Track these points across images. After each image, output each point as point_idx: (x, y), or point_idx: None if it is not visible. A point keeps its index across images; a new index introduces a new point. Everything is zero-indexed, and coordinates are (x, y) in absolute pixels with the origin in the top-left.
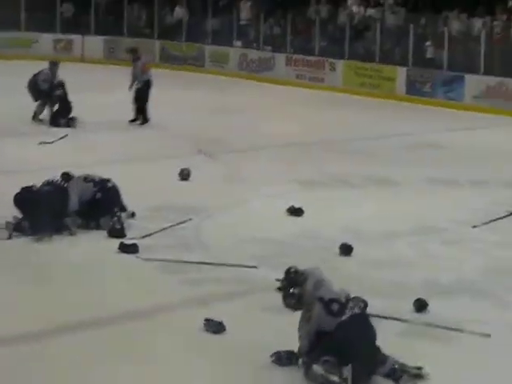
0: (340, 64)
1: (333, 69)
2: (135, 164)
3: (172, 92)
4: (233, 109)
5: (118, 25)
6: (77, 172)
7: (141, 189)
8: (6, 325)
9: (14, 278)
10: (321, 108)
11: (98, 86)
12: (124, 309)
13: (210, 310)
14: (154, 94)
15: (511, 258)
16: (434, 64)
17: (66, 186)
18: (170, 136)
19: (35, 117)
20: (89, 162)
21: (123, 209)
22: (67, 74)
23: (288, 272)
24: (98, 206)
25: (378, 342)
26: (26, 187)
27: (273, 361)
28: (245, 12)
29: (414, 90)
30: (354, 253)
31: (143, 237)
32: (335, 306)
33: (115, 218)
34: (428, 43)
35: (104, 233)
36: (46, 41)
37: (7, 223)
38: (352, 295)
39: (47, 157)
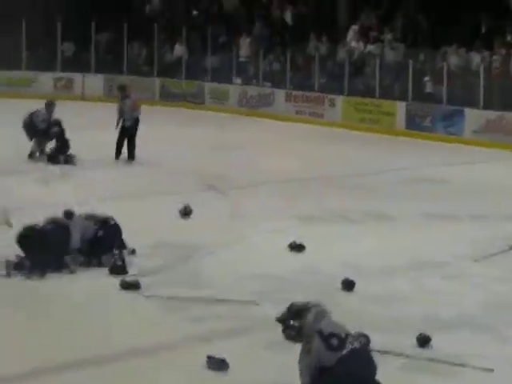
0: (339, 100)
1: (332, 104)
2: (136, 201)
3: (172, 129)
4: (233, 145)
5: (118, 63)
6: (78, 210)
7: (141, 226)
8: (4, 362)
9: (13, 315)
10: (320, 143)
11: (97, 124)
12: (126, 346)
13: (212, 347)
14: (155, 131)
15: (511, 292)
16: (434, 99)
17: (68, 224)
18: (171, 173)
19: (32, 155)
20: (89, 199)
21: (124, 246)
22: (67, 112)
23: (290, 305)
24: (99, 244)
25: (380, 377)
26: (29, 226)
27: None
28: (244, 49)
29: (413, 124)
30: (355, 288)
31: (144, 274)
32: (334, 341)
33: (116, 256)
34: (427, 78)
35: (105, 270)
36: (46, 79)
37: (7, 261)
38: (354, 330)
39: (48, 194)
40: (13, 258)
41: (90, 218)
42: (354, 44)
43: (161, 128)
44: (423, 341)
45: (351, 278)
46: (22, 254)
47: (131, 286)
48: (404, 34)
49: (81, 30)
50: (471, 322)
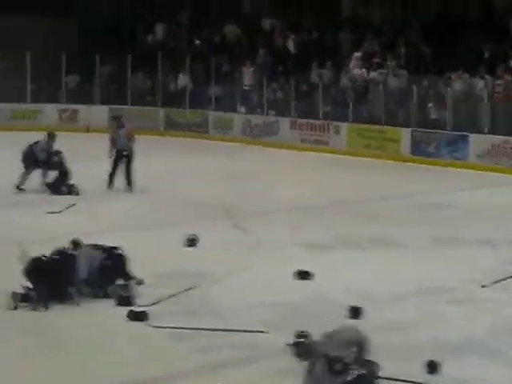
0: (344, 127)
1: (337, 132)
2: (142, 231)
3: (177, 159)
4: (238, 174)
5: (122, 94)
6: (84, 240)
7: (148, 256)
8: None
9: (21, 347)
10: (326, 171)
11: (102, 155)
12: (135, 377)
13: (222, 377)
14: (160, 161)
15: None
16: (438, 124)
17: (74, 254)
18: (176, 202)
19: (19, 187)
20: (94, 230)
21: (131, 276)
22: (73, 143)
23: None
24: (105, 273)
25: None
26: (36, 257)
27: None
28: (247, 78)
29: (418, 150)
30: (362, 315)
31: (152, 304)
32: (338, 366)
33: (123, 286)
34: (430, 105)
35: (112, 301)
36: (51, 111)
37: (14, 293)
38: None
39: (54, 226)
40: (20, 290)
41: (96, 247)
42: (356, 71)
43: (166, 158)
44: (433, 367)
45: (358, 304)
46: (29, 285)
47: (139, 317)
48: (407, 61)
49: (85, 62)
50: (480, 347)
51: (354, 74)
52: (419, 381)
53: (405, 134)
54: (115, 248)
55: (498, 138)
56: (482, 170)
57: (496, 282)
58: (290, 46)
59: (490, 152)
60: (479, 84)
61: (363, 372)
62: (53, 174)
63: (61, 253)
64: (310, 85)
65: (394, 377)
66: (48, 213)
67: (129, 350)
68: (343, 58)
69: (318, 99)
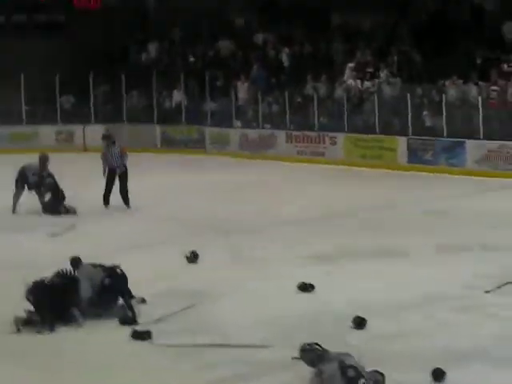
0: (340, 138)
1: (333, 143)
2: (142, 249)
3: (174, 176)
4: (237, 189)
5: (118, 112)
6: (85, 260)
7: (148, 274)
8: None
9: (26, 370)
10: (324, 182)
11: (99, 174)
12: None
13: None
14: (158, 178)
15: None
16: (434, 132)
17: (75, 275)
18: (175, 219)
19: (14, 209)
20: (94, 250)
21: (131, 295)
22: (69, 164)
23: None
24: (106, 293)
25: None
26: (37, 281)
27: None
28: (242, 92)
29: (415, 158)
30: (367, 325)
31: (155, 322)
32: (351, 372)
33: (125, 306)
34: (425, 113)
35: (115, 321)
36: (47, 133)
37: (16, 317)
38: (368, 368)
39: (54, 248)
40: (22, 314)
41: (96, 266)
42: (350, 81)
43: (163, 175)
44: (437, 375)
45: (362, 315)
46: (31, 309)
47: (142, 336)
48: (400, 69)
49: (79, 83)
50: (486, 354)
51: (349, 84)
52: None
53: (401, 143)
54: (115, 267)
55: (495, 143)
56: (480, 176)
57: (499, 288)
58: (284, 59)
59: (487, 157)
60: (473, 90)
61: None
62: (47, 196)
63: (62, 275)
64: (304, 97)
65: None
66: (49, 235)
67: (132, 368)
68: (337, 69)
69: (313, 111)
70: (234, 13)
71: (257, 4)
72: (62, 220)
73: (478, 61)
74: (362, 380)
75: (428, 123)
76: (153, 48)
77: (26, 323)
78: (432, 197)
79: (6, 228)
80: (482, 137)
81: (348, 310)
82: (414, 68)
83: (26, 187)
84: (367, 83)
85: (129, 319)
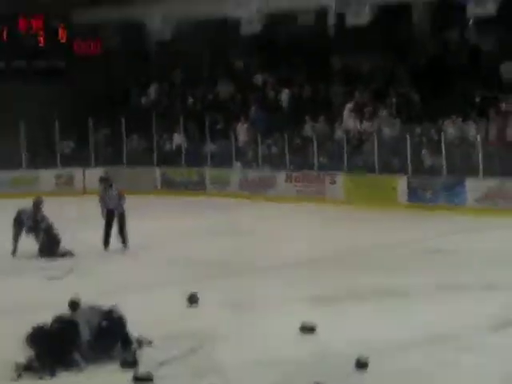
0: (340, 177)
1: (333, 182)
2: (142, 292)
3: (175, 217)
4: (237, 230)
5: (118, 155)
6: (84, 302)
7: (149, 317)
8: None
9: None
10: (324, 222)
11: (99, 217)
12: None
13: None
14: (158, 220)
15: None
16: (434, 170)
17: (75, 319)
18: (176, 261)
19: (14, 252)
20: (94, 293)
21: (130, 338)
22: (70, 208)
23: None
24: (104, 335)
25: None
26: (37, 326)
27: None
28: (242, 134)
29: (415, 197)
30: (369, 366)
31: (156, 366)
32: None
33: (126, 349)
34: (424, 151)
35: (116, 364)
36: (47, 177)
37: (17, 364)
38: None
39: (54, 291)
40: (22, 360)
41: (94, 309)
42: (350, 122)
43: (163, 217)
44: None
45: (365, 356)
46: (31, 354)
47: (144, 380)
48: (399, 110)
49: (79, 127)
50: None
51: (348, 125)
52: None
53: (401, 182)
54: (113, 309)
55: (494, 181)
56: (480, 214)
57: (503, 327)
58: (283, 99)
59: (486, 195)
60: (472, 128)
61: None
62: (43, 240)
63: (61, 319)
64: (303, 138)
65: None
66: (48, 278)
67: None
68: (336, 110)
69: (312, 152)
70: (233, 55)
71: (256, 43)
72: (60, 263)
73: (477, 100)
74: None
75: (427, 162)
76: (153, 90)
77: (26, 369)
78: (432, 236)
79: (6, 272)
80: (481, 175)
81: (349, 351)
82: (413, 108)
83: (23, 231)
84: (366, 124)
85: (129, 362)
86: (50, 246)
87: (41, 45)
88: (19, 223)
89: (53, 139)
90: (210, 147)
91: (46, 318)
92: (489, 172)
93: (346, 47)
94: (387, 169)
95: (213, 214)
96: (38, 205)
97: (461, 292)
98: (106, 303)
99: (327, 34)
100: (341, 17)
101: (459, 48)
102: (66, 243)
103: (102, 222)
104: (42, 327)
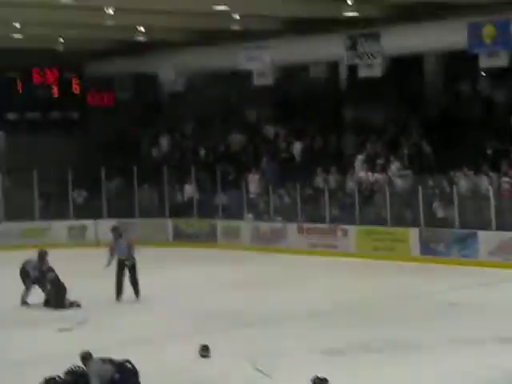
0: (352, 230)
1: (345, 235)
2: (153, 343)
3: (186, 269)
4: (249, 282)
5: (130, 206)
6: (95, 355)
7: (162, 369)
8: None
9: None
10: (336, 275)
11: (110, 268)
12: None
13: None
14: (170, 272)
15: None
16: (446, 223)
17: (86, 371)
18: (187, 313)
19: (24, 302)
20: (106, 345)
21: None
22: (82, 259)
23: None
24: None
25: None
26: (49, 378)
27: None
28: (253, 185)
29: (427, 250)
30: None
31: None
32: None
33: None
34: (436, 204)
35: None
36: (60, 228)
37: None
38: None
39: (66, 343)
40: None
41: (106, 361)
42: (361, 174)
43: (175, 268)
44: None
45: None
46: None
47: None
48: (410, 161)
49: (91, 177)
50: None
51: (360, 177)
52: None
53: (413, 234)
54: (125, 361)
55: (507, 234)
56: (492, 267)
57: None
58: (294, 151)
59: (499, 248)
60: (484, 181)
61: None
62: (49, 290)
63: (72, 372)
64: (315, 189)
65: None
66: (60, 330)
67: None
68: (347, 161)
69: (324, 203)
70: (245, 106)
71: (268, 95)
72: (71, 314)
73: (489, 152)
74: None
75: (440, 214)
76: (164, 142)
77: None
78: (445, 288)
79: (18, 323)
80: (494, 228)
81: None
82: (425, 160)
83: (30, 281)
84: (378, 175)
85: None
86: (57, 297)
87: (55, 96)
88: (26, 274)
89: (66, 189)
90: (221, 199)
91: (58, 370)
92: (501, 225)
93: (358, 98)
94: (399, 221)
95: (224, 266)
96: (42, 256)
97: (474, 345)
98: (118, 355)
99: (339, 86)
100: (353, 69)
101: (471, 100)
102: (77, 294)
103: (113, 274)
104: (55, 379)
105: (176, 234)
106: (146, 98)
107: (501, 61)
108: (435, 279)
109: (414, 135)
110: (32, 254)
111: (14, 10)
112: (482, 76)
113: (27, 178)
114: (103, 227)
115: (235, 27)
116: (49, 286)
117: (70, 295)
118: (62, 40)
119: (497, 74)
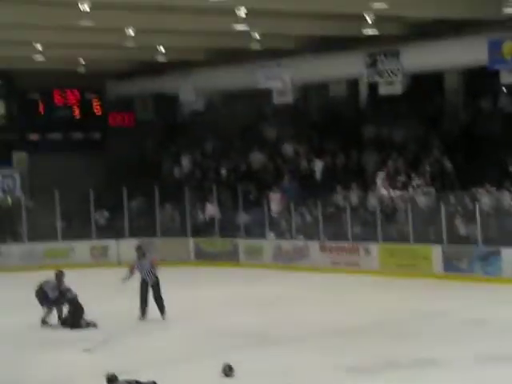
0: (374, 247)
1: (368, 253)
2: (178, 364)
3: (209, 288)
4: (272, 300)
5: (152, 226)
6: (120, 376)
7: None
8: None
9: None
10: (360, 292)
11: (134, 288)
12: None
13: None
14: (192, 291)
15: None
16: (469, 240)
17: None
18: (210, 332)
19: (44, 322)
20: (130, 366)
21: None
22: (103, 279)
23: None
24: None
25: None
26: None
27: None
28: (275, 204)
29: (450, 267)
30: None
31: None
32: None
33: None
34: (458, 220)
35: None
36: (82, 248)
37: None
38: None
39: (89, 364)
40: None
41: (132, 383)
42: (383, 190)
43: (197, 288)
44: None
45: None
46: None
47: None
48: (433, 178)
49: (113, 197)
50: None
51: (381, 194)
52: None
53: (436, 251)
54: (152, 383)
55: None
56: None
57: None
58: (316, 168)
59: None
60: (507, 197)
61: None
62: (66, 310)
63: None
64: (336, 207)
65: None
66: (84, 351)
67: None
68: (369, 179)
69: (346, 221)
70: (265, 125)
71: (288, 113)
72: (92, 334)
73: (511, 168)
74: None
75: (462, 231)
76: (185, 161)
77: None
78: (469, 306)
79: (40, 344)
80: None
81: None
82: (447, 177)
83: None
84: (399, 192)
85: None
86: (74, 317)
87: (76, 117)
88: (44, 295)
89: (88, 209)
90: (243, 217)
91: None
92: None
93: (379, 116)
94: (422, 238)
95: (247, 285)
96: (60, 277)
97: (500, 363)
98: (142, 376)
99: (359, 103)
100: (373, 86)
101: (492, 116)
102: (99, 314)
103: (136, 293)
104: None
105: (197, 253)
106: (166, 118)
107: None
108: (460, 296)
109: (434, 152)
110: (49, 275)
111: (36, 31)
112: (503, 92)
113: (49, 198)
114: (125, 247)
115: (255, 46)
116: (67, 306)
117: (93, 314)
118: (82, 61)
119: None
